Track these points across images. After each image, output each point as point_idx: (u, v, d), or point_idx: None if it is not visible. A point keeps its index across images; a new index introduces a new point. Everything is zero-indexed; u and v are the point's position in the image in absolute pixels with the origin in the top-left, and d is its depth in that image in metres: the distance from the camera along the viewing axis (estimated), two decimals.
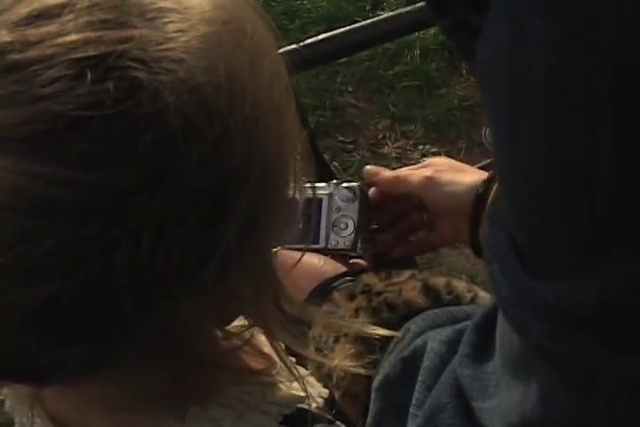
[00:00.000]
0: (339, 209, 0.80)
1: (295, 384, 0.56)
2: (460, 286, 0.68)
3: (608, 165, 0.30)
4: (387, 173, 0.86)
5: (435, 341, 0.56)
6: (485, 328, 0.48)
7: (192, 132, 0.42)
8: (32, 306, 0.42)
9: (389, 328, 0.63)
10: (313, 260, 0.77)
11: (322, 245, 0.81)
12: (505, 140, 0.35)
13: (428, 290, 0.67)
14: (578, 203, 0.32)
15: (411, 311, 0.65)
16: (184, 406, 0.53)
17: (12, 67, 0.40)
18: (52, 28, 0.41)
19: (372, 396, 0.61)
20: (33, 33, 0.41)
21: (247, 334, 0.53)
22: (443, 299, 0.66)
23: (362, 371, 0.61)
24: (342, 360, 0.63)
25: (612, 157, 0.30)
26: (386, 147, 2.81)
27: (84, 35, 0.41)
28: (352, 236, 0.79)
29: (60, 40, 0.41)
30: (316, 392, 0.58)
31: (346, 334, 0.66)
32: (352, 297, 0.69)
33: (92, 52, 0.40)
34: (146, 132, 0.40)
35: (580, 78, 0.30)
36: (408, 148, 2.81)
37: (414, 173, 0.84)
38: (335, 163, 2.62)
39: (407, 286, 0.68)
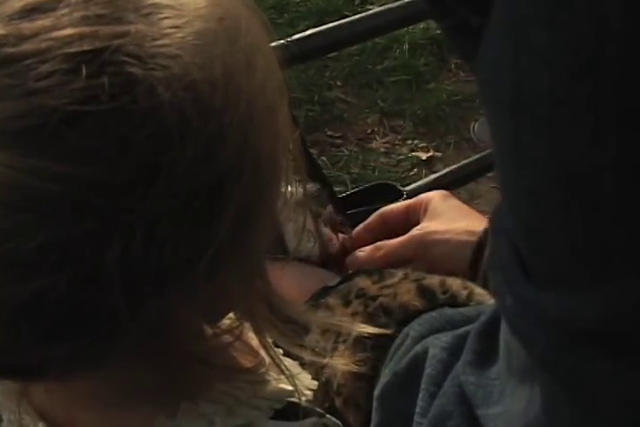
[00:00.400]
0: (296, 220, 0.79)
1: (284, 378, 0.56)
2: (455, 283, 0.66)
3: (613, 181, 0.30)
4: (377, 254, 0.80)
5: (435, 347, 0.55)
6: (488, 334, 0.47)
7: (187, 129, 0.41)
8: (23, 301, 0.41)
9: (387, 334, 0.63)
10: (293, 276, 0.76)
11: (292, 253, 0.80)
12: (507, 153, 0.34)
13: (423, 291, 0.65)
14: (581, 218, 0.31)
15: (408, 315, 0.64)
16: (175, 402, 0.52)
17: (6, 60, 0.40)
18: (46, 22, 0.41)
19: (375, 404, 0.60)
20: (27, 27, 0.41)
21: (237, 331, 0.53)
22: (438, 298, 0.65)
23: (354, 368, 0.61)
24: (334, 359, 0.62)
25: (617, 172, 0.30)
26: (374, 141, 2.81)
27: (79, 29, 0.41)
28: (317, 247, 0.78)
29: (54, 34, 0.40)
30: (305, 385, 0.58)
31: (345, 340, 0.65)
32: (347, 302, 0.68)
33: (87, 47, 0.40)
34: (140, 127, 0.40)
35: (586, 93, 0.29)
36: (397, 142, 2.81)
37: (404, 246, 0.78)
38: (323, 157, 2.63)
39: (401, 288, 0.66)
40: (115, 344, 0.45)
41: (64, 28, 0.41)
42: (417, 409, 0.53)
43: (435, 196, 0.81)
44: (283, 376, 0.55)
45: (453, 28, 0.39)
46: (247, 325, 0.53)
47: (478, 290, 0.66)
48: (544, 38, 0.30)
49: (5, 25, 0.41)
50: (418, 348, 0.58)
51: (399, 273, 0.69)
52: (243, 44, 0.45)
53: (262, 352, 0.55)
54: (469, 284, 0.67)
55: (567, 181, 0.31)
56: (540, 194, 0.33)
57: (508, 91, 0.32)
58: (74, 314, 0.43)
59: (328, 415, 0.56)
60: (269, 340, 0.54)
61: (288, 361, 0.57)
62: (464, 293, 0.66)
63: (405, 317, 0.64)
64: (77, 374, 0.48)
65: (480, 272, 0.75)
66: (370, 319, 0.65)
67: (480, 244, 0.75)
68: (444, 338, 0.55)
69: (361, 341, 0.64)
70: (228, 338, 0.53)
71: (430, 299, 0.65)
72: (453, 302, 0.65)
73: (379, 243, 0.79)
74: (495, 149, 0.35)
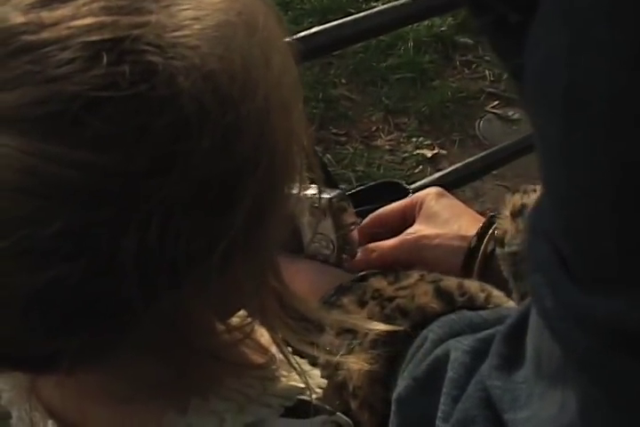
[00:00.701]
0: (315, 226, 0.79)
1: (294, 375, 0.56)
2: (473, 286, 0.66)
3: None
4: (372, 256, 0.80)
5: (457, 351, 0.55)
6: (514, 338, 0.47)
7: (205, 119, 0.42)
8: (36, 290, 0.41)
9: (404, 336, 0.62)
10: (308, 273, 0.75)
11: (309, 257, 0.80)
12: (556, 151, 0.33)
13: (440, 293, 0.65)
14: (635, 217, 0.31)
15: (425, 317, 0.64)
16: (185, 398, 0.52)
17: (27, 48, 0.40)
18: (66, 11, 0.41)
19: (393, 407, 0.60)
20: (48, 15, 0.41)
21: (248, 328, 0.53)
22: (456, 301, 0.64)
23: (369, 367, 0.61)
24: (349, 358, 0.62)
25: None
26: (379, 139, 2.81)
27: (99, 19, 0.41)
28: (335, 254, 0.78)
29: (75, 23, 0.41)
30: (315, 383, 0.58)
31: (361, 342, 0.64)
32: (362, 303, 0.67)
33: (107, 36, 0.40)
34: (159, 115, 0.41)
35: None
36: (401, 140, 2.81)
37: (397, 249, 0.78)
38: (328, 155, 2.62)
39: (419, 290, 0.66)
40: (127, 336, 0.46)
41: (84, 17, 0.41)
42: (439, 413, 0.52)
43: (429, 194, 0.81)
44: (292, 374, 0.56)
45: (490, 25, 0.38)
46: (257, 322, 0.53)
47: (496, 292, 0.66)
48: (604, 34, 0.30)
49: (26, 13, 0.41)
50: (438, 351, 0.57)
51: (415, 274, 0.69)
52: (260, 39, 0.45)
53: (273, 349, 0.55)
54: (487, 286, 0.67)
55: (622, 179, 0.31)
56: (590, 192, 0.32)
57: (559, 88, 0.32)
58: (87, 304, 0.43)
59: (338, 413, 0.56)
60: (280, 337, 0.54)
61: (298, 359, 0.57)
62: (482, 295, 0.65)
63: (423, 319, 0.64)
64: (89, 367, 0.48)
65: (473, 277, 0.75)
66: (386, 321, 0.64)
67: (471, 249, 0.76)
68: (466, 341, 0.55)
69: (377, 342, 0.64)
70: (238, 335, 0.53)
71: (449, 301, 0.64)
72: (471, 304, 0.65)
73: (372, 245, 0.80)
74: (541, 147, 0.35)
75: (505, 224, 0.74)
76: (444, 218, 0.79)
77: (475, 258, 0.76)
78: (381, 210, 0.83)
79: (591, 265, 0.34)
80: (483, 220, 0.79)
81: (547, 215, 0.36)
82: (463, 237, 0.77)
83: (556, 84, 0.32)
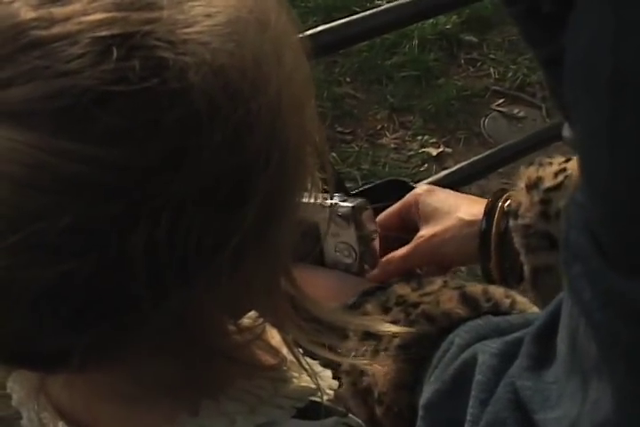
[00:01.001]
0: (337, 235, 0.78)
1: (305, 376, 0.56)
2: (498, 292, 0.66)
3: None
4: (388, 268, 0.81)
5: (485, 354, 0.55)
6: (544, 338, 0.47)
7: (215, 114, 0.42)
8: (46, 285, 0.41)
9: (430, 341, 0.62)
10: (329, 279, 0.76)
11: (330, 266, 0.80)
12: (599, 137, 0.33)
13: (466, 299, 0.65)
14: None
15: (452, 322, 0.64)
16: (196, 399, 0.52)
17: (37, 43, 0.40)
18: (77, 6, 0.41)
19: (420, 413, 0.60)
20: (58, 11, 0.41)
21: (259, 329, 0.53)
22: (482, 307, 0.65)
23: (391, 372, 0.61)
24: (355, 358, 0.62)
25: None
26: (384, 137, 2.81)
27: (110, 14, 0.41)
28: (357, 263, 0.79)
29: (85, 18, 0.41)
30: (327, 385, 0.58)
31: (386, 348, 0.64)
32: (386, 309, 0.68)
33: (117, 31, 0.41)
34: (169, 110, 0.41)
35: None
36: (407, 138, 2.81)
37: (413, 255, 0.79)
38: (333, 154, 2.62)
39: (444, 296, 0.66)
40: (136, 334, 0.45)
41: (95, 12, 0.41)
42: (468, 417, 0.52)
43: (420, 194, 0.82)
44: (303, 375, 0.55)
45: (523, 14, 0.38)
46: (268, 323, 0.53)
47: (520, 298, 0.66)
48: None
49: (36, 9, 0.41)
50: (466, 355, 0.57)
51: (438, 280, 0.69)
52: (271, 36, 0.45)
53: (284, 350, 0.55)
54: (511, 292, 0.67)
55: None
56: (634, 178, 0.32)
57: (605, 74, 0.32)
58: (96, 300, 0.43)
59: (350, 415, 0.56)
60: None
61: (309, 360, 0.57)
62: (507, 301, 0.65)
63: (450, 324, 0.64)
64: (99, 365, 0.48)
65: (491, 256, 0.76)
66: (412, 327, 0.64)
67: (483, 231, 0.77)
68: (494, 345, 0.55)
69: (403, 347, 0.64)
70: (249, 335, 0.53)
71: (474, 307, 0.65)
72: (496, 310, 0.65)
73: (388, 257, 0.80)
74: (582, 134, 0.35)
75: (519, 196, 0.75)
76: (444, 211, 0.80)
77: (489, 238, 0.76)
78: (378, 218, 0.84)
79: (632, 251, 0.34)
80: (480, 200, 0.80)
81: (586, 204, 0.36)
82: (470, 222, 0.78)
83: (602, 69, 0.32)
